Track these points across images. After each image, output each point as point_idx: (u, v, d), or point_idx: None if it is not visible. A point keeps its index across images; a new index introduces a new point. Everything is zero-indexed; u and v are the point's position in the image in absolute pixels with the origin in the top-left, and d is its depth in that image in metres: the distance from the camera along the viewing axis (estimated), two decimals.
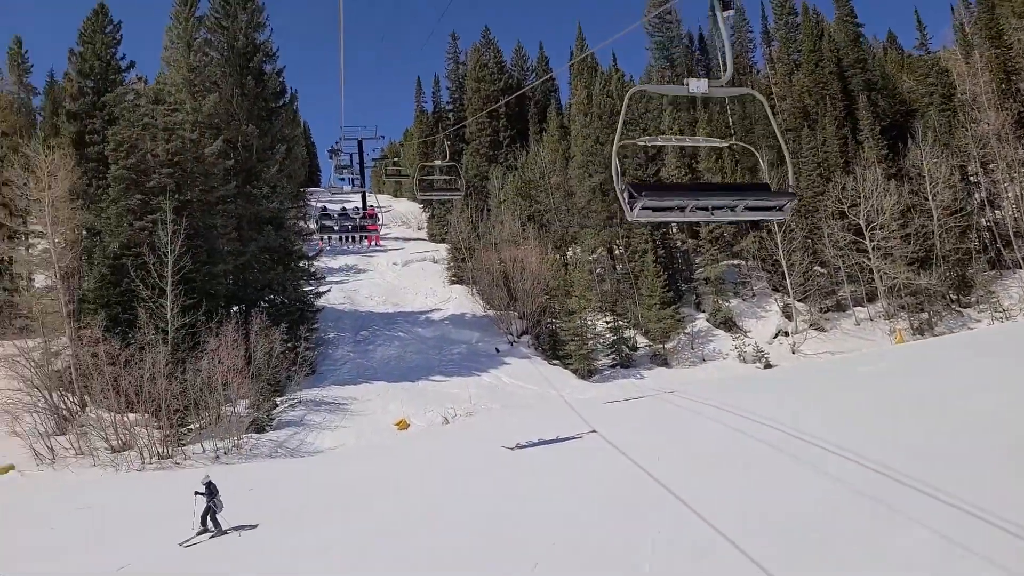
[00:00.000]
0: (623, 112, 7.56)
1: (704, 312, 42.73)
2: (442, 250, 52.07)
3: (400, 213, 65.67)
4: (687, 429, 20.90)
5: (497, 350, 37.99)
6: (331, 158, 39.00)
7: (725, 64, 7.12)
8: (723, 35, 6.93)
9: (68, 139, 36.01)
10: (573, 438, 22.22)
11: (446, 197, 29.97)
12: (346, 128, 56.90)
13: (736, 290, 43.23)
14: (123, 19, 35.01)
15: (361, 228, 32.40)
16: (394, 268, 50.97)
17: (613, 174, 6.79)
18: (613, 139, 7.05)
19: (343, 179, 36.25)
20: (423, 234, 61.43)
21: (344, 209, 26.26)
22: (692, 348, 40.28)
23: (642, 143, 8.19)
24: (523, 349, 38.38)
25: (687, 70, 55.93)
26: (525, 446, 22.46)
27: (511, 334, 39.06)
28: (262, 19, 35.17)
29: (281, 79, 35.98)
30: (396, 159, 62.72)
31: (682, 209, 6.83)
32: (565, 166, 49.37)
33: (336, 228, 31.02)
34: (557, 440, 22.84)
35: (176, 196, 30.98)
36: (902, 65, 56.49)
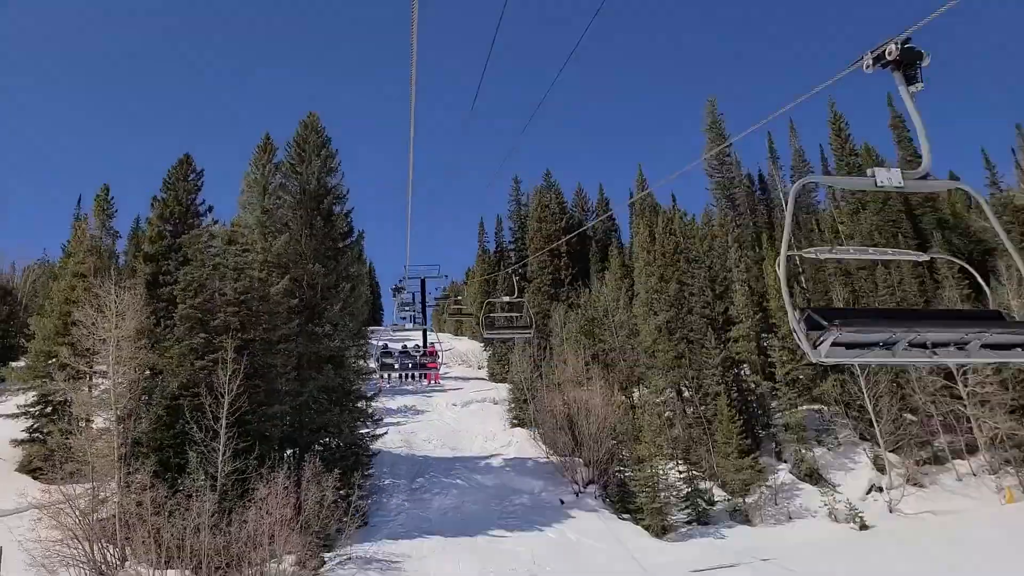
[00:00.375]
0: (790, 212, 5.44)
1: (786, 463, 38.96)
2: (503, 390, 50.26)
3: (461, 352, 64.84)
4: None
5: (562, 501, 34.94)
6: (394, 296, 38.56)
7: (920, 153, 5.47)
8: (914, 117, 5.36)
9: (142, 280, 36.82)
10: None
11: (514, 336, 28.08)
12: (410, 268, 57.83)
13: (819, 438, 39.53)
14: (206, 167, 36.32)
15: (421, 366, 31.45)
16: (453, 409, 49.17)
17: (784, 295, 4.79)
18: (779, 249, 5.47)
19: (404, 317, 35.49)
20: (483, 373, 60.00)
21: (405, 347, 25.60)
22: (776, 503, 36.27)
23: (814, 255, 5.54)
24: (590, 500, 35.20)
25: (749, 209, 55.47)
26: None
27: (576, 483, 36.08)
28: (335, 164, 36.41)
29: (349, 219, 36.63)
30: (458, 297, 63.02)
31: (890, 346, 4.73)
32: (629, 304, 48.06)
33: (396, 366, 30.01)
34: None
35: (239, 335, 30.62)
36: (970, 205, 54.74)
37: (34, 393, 34.09)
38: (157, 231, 39.41)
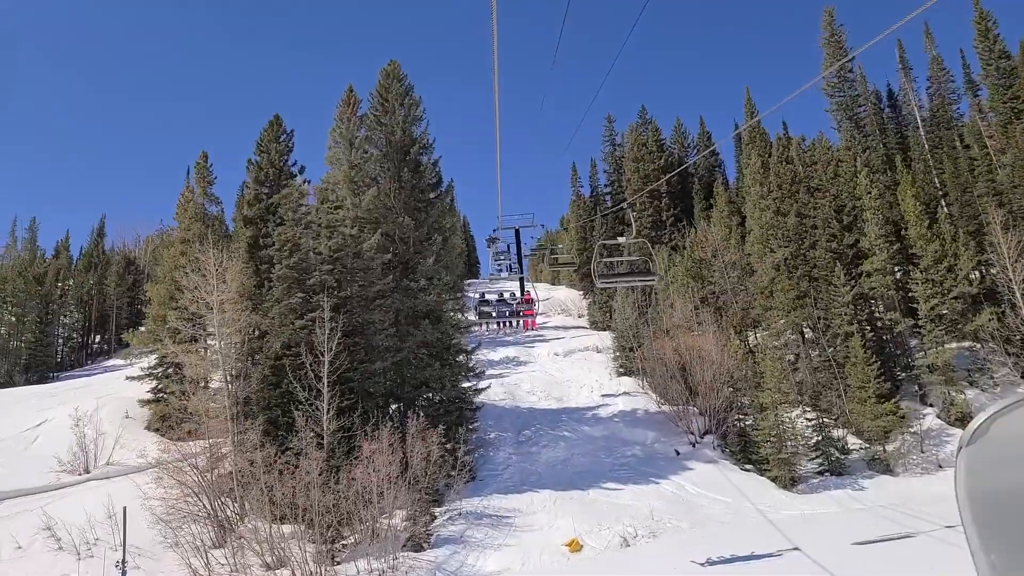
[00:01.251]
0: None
1: (931, 407, 34.84)
2: (606, 338, 48.13)
3: (559, 301, 63.07)
4: None
5: (677, 452, 32.75)
6: (489, 246, 37.15)
7: None
8: None
9: (243, 244, 37.08)
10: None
11: (637, 283, 24.62)
12: (503, 218, 56.13)
13: (972, 379, 34.99)
14: (295, 127, 35.68)
15: (518, 313, 30.52)
16: (555, 359, 47.62)
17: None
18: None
19: (500, 267, 34.05)
20: (584, 322, 58.02)
21: (502, 295, 24.39)
22: (922, 451, 32.53)
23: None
24: (707, 451, 32.80)
25: (878, 129, 49.39)
26: (717, 562, 20.03)
27: (692, 433, 33.71)
28: (419, 112, 34.74)
29: (437, 169, 35.05)
30: (554, 247, 60.95)
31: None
32: (741, 243, 44.30)
33: (494, 314, 29.15)
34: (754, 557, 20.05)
35: (336, 292, 30.01)
36: None
37: (155, 356, 35.31)
38: (254, 194, 39.42)
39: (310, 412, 26.01)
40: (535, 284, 62.86)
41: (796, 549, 21.10)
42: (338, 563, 23.91)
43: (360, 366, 29.34)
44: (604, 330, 52.76)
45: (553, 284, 77.66)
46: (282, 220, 31.81)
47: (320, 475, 24.41)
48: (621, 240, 16.73)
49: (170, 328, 30.77)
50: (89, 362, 49.22)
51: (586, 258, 57.28)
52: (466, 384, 33.03)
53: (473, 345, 36.87)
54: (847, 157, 40.97)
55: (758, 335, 42.60)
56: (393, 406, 32.10)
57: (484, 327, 34.83)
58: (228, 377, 27.84)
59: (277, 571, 23.40)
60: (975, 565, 1.67)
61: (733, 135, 56.53)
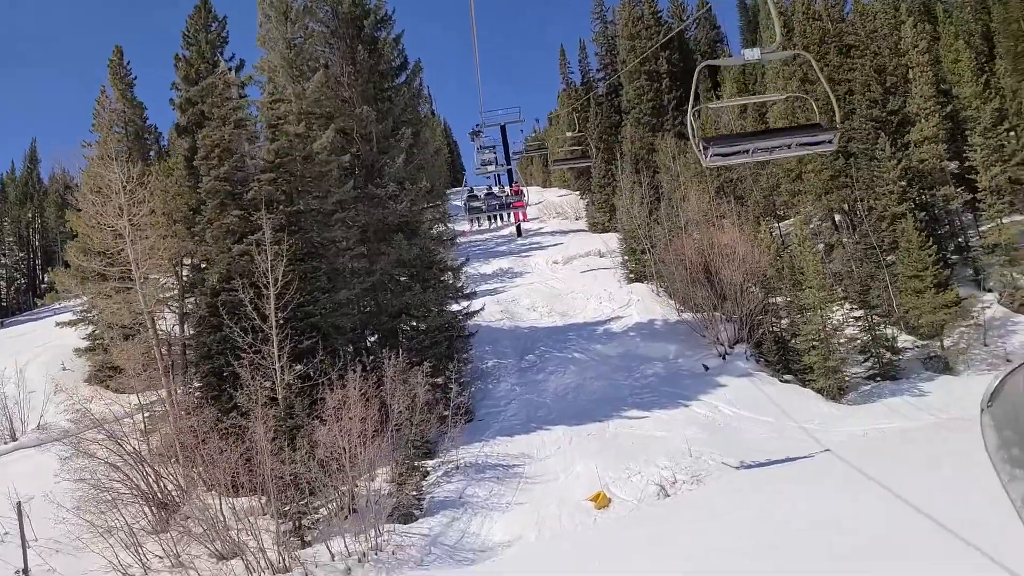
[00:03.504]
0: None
1: (991, 292, 29.21)
2: (611, 240, 41.86)
3: (554, 203, 56.36)
4: None
5: (706, 368, 27.26)
6: (473, 140, 30.55)
7: None
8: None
9: (181, 158, 29.99)
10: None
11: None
12: (487, 114, 48.66)
13: None
14: (228, 14, 27.89)
15: (507, 205, 27.30)
16: (555, 268, 41.52)
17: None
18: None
19: (486, 162, 27.95)
20: (582, 224, 51.54)
21: (490, 188, 20.73)
22: (985, 344, 27.15)
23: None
24: (740, 363, 27.26)
25: None
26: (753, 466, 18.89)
27: (721, 344, 28.10)
28: None
29: (400, 47, 27.54)
30: (543, 145, 53.65)
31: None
32: (760, 120, 37.32)
33: (484, 208, 25.54)
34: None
35: (283, 207, 23.39)
36: None
37: (84, 298, 28.96)
38: (185, 96, 31.87)
39: (258, 360, 19.99)
40: (527, 188, 56.04)
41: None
42: (308, 543, 18.63)
43: (322, 297, 23.15)
44: (605, 231, 46.42)
45: (545, 186, 70.57)
46: (208, 118, 24.67)
47: (274, 439, 18.74)
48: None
49: (75, 265, 24.27)
50: (40, 304, 42.98)
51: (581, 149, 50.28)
52: (455, 307, 27.01)
53: (461, 260, 30.62)
54: (884, 8, 33.37)
55: (781, 225, 36.44)
56: (372, 338, 26.24)
57: (475, 224, 30.35)
58: (150, 321, 21.62)
59: (231, 561, 18.13)
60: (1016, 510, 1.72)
61: None
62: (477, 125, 33.69)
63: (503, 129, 36.65)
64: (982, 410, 1.81)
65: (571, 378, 26.97)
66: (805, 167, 32.80)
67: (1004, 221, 28.86)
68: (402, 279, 25.22)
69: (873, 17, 33.88)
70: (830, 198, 31.90)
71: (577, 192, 55.37)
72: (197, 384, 22.87)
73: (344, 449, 18.51)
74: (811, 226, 33.73)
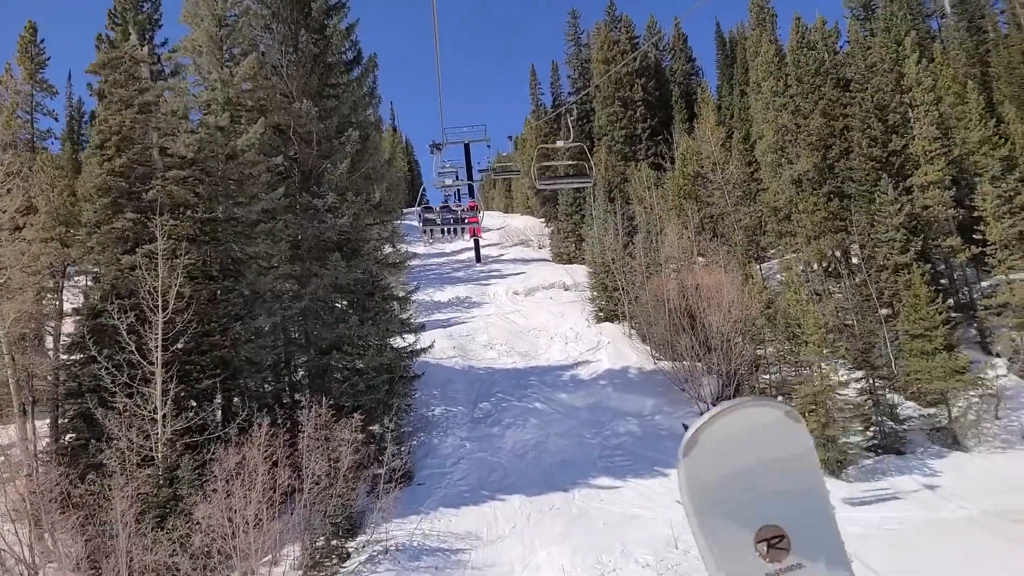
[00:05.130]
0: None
1: (999, 357, 26.22)
2: (577, 272, 38.08)
3: (516, 229, 52.47)
4: None
5: (685, 427, 23.24)
6: (432, 153, 26.47)
7: None
8: None
9: (96, 157, 25.01)
10: None
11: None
12: (449, 130, 44.62)
13: None
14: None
15: (462, 220, 23.29)
16: (516, 300, 37.44)
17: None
18: None
19: (444, 175, 24.16)
20: (546, 253, 47.73)
21: (446, 201, 17.62)
22: (997, 418, 23.95)
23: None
24: None
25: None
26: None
27: (703, 400, 24.26)
28: None
29: (353, 39, 23.30)
30: (506, 165, 49.87)
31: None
32: (743, 155, 34.22)
33: (439, 221, 21.61)
34: None
35: (194, 212, 18.74)
36: None
37: None
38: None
39: (132, 406, 15.13)
40: (487, 212, 52.21)
41: None
42: None
43: (232, 324, 18.45)
44: (569, 263, 42.68)
45: (506, 212, 66.79)
46: (106, 99, 19.90)
47: (141, 514, 13.90)
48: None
49: None
50: None
51: (542, 157, 46.66)
52: (399, 342, 22.52)
53: (412, 286, 26.25)
54: (884, 42, 30.80)
55: (762, 268, 33.20)
56: (297, 375, 21.55)
57: (430, 236, 27.00)
58: (4, 346, 16.57)
59: None
60: (705, 566, 1.85)
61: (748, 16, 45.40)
62: (436, 142, 30.05)
63: (466, 147, 32.90)
64: (678, 459, 1.95)
65: (532, 433, 22.67)
66: (795, 207, 29.66)
67: (1011, 278, 26.04)
68: (337, 306, 20.67)
69: (867, 50, 31.17)
70: (822, 242, 28.73)
71: (542, 219, 51.63)
72: (59, 430, 17.76)
73: (232, 532, 13.77)
74: (796, 270, 30.48)
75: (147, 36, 28.66)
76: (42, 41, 28.62)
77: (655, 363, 26.47)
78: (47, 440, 18.19)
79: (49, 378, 18.91)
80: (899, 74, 29.25)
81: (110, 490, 13.81)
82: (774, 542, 1.87)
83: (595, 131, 48.32)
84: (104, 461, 14.60)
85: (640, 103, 46.90)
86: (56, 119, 29.94)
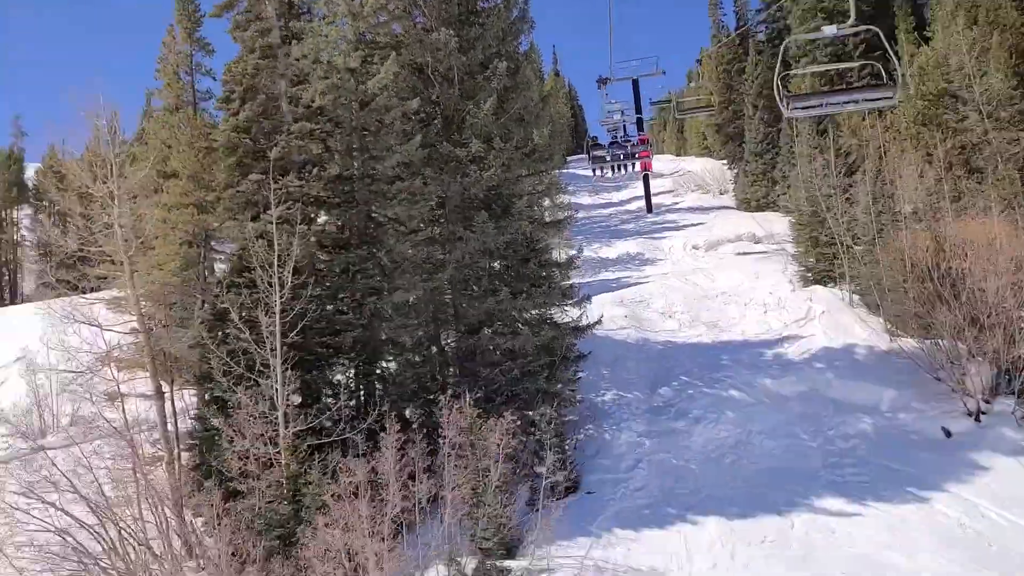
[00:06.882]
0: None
1: None
2: (770, 222, 31.62)
3: (693, 173, 46.10)
4: None
5: (947, 432, 17.12)
6: (600, 87, 22.80)
7: None
8: None
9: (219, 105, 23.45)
10: None
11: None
12: (616, 65, 39.41)
13: None
14: None
15: (632, 155, 19.30)
16: (696, 256, 32.01)
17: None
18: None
19: (612, 113, 20.22)
20: (728, 200, 41.16)
21: (615, 137, 14.28)
22: None
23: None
24: (1006, 430, 16.81)
25: None
26: None
27: (970, 395, 17.67)
28: None
29: None
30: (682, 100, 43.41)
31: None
32: (998, 65, 25.33)
33: (608, 157, 17.86)
34: None
35: (322, 170, 16.02)
36: None
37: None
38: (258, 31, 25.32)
39: (250, 402, 12.74)
40: (657, 156, 46.43)
41: None
42: None
43: (368, 300, 15.64)
44: (761, 210, 35.97)
45: (679, 155, 59.91)
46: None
47: (261, 534, 11.49)
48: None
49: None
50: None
51: (732, 109, 39.84)
52: (562, 318, 18.59)
53: (575, 248, 22.19)
54: None
55: None
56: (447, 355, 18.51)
57: (601, 172, 24.05)
58: (140, 324, 15.04)
59: None
60: None
61: None
62: (604, 76, 25.53)
63: (635, 83, 28.00)
64: None
65: (727, 430, 17.84)
66: None
67: None
68: (485, 276, 17.14)
69: None
70: None
71: (723, 160, 44.69)
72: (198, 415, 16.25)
73: (355, 568, 10.87)
74: None
75: None
76: None
77: (892, 340, 20.06)
78: (192, 423, 16.85)
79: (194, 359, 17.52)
80: None
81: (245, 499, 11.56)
82: None
83: (791, 53, 40.11)
84: (219, 468, 12.48)
85: (849, 14, 37.76)
86: (214, 78, 28.93)
